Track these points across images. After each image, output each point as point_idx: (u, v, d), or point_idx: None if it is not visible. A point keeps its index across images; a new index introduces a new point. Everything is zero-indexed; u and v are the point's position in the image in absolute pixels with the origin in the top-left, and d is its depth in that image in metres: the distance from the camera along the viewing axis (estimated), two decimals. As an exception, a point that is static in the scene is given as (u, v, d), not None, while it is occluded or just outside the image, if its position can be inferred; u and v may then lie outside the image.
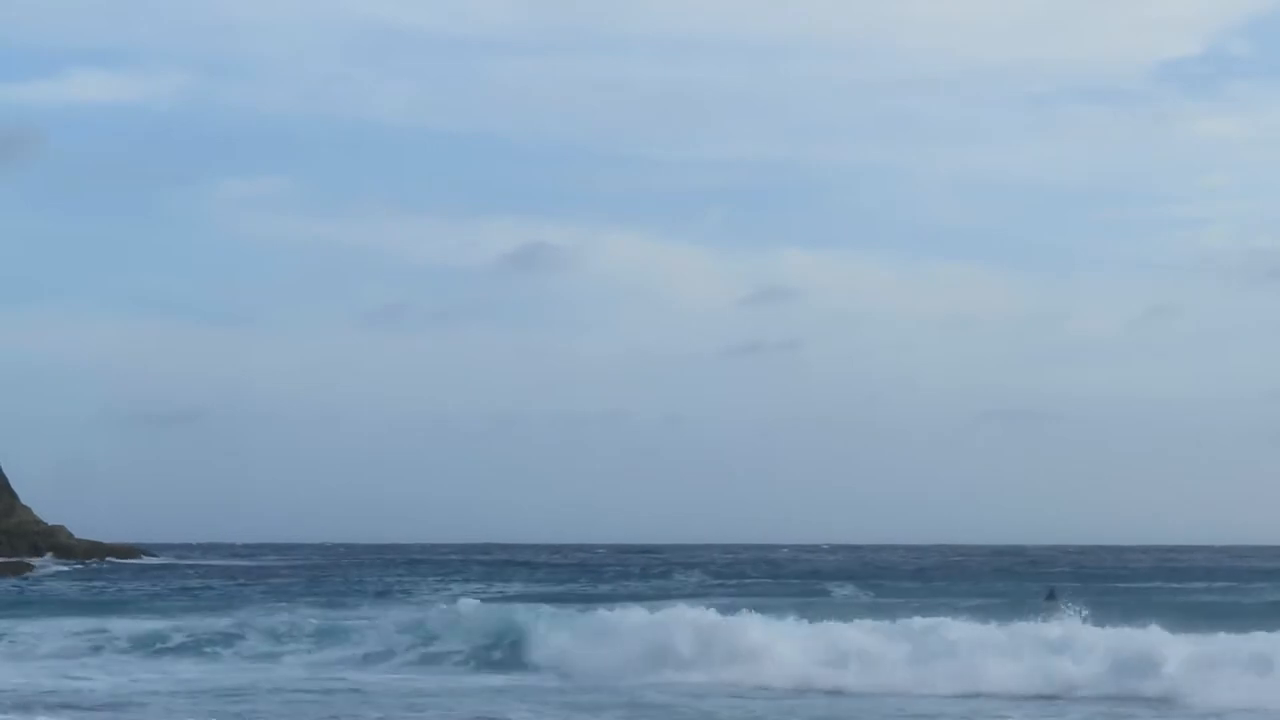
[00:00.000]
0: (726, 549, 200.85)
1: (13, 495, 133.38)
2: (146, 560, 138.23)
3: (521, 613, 47.36)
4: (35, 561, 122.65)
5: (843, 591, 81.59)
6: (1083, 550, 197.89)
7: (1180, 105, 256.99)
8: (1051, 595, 62.87)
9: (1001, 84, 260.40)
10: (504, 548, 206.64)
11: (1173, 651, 38.24)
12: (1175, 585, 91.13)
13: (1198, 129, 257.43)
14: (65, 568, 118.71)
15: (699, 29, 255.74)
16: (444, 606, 51.94)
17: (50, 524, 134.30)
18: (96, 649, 47.26)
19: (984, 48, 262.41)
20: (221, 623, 50.79)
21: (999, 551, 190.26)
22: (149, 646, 47.32)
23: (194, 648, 47.12)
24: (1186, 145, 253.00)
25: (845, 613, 47.79)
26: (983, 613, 45.36)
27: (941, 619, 43.21)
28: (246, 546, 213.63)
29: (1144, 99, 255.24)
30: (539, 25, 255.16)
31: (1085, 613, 43.41)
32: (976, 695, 36.83)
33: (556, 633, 44.35)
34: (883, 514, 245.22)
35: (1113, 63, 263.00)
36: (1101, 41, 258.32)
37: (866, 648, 41.22)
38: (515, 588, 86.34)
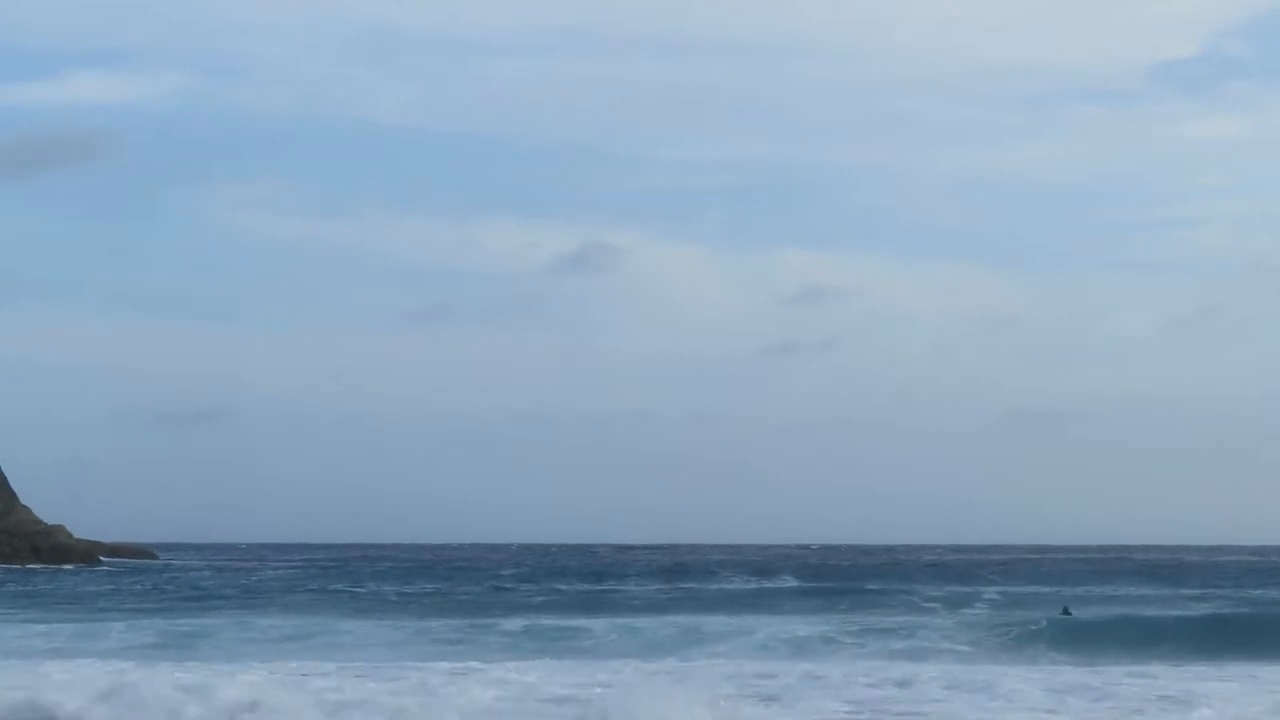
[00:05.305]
0: (730, 549, 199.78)
1: (12, 495, 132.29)
2: (171, 559, 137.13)
3: None
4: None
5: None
6: (1079, 550, 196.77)
7: (1177, 106, 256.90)
8: (1066, 612, 62.15)
9: (1001, 84, 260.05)
10: (524, 548, 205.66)
11: None
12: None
13: (1195, 129, 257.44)
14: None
15: (699, 29, 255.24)
16: None
17: (49, 524, 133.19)
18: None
19: (984, 48, 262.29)
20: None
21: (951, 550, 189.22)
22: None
23: None
24: (1184, 146, 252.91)
25: None
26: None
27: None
28: (250, 546, 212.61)
29: (1141, 99, 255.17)
30: (539, 25, 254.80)
31: None
32: None
33: None
34: (882, 514, 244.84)
35: (1111, 63, 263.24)
36: (1100, 42, 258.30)
37: None
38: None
